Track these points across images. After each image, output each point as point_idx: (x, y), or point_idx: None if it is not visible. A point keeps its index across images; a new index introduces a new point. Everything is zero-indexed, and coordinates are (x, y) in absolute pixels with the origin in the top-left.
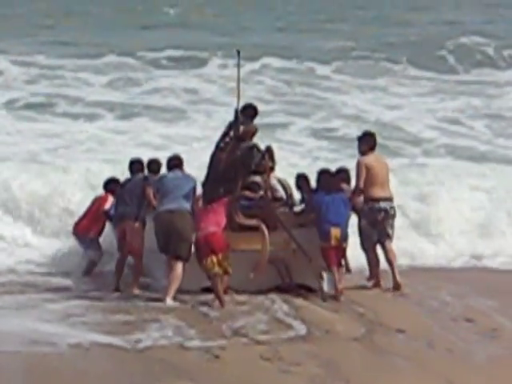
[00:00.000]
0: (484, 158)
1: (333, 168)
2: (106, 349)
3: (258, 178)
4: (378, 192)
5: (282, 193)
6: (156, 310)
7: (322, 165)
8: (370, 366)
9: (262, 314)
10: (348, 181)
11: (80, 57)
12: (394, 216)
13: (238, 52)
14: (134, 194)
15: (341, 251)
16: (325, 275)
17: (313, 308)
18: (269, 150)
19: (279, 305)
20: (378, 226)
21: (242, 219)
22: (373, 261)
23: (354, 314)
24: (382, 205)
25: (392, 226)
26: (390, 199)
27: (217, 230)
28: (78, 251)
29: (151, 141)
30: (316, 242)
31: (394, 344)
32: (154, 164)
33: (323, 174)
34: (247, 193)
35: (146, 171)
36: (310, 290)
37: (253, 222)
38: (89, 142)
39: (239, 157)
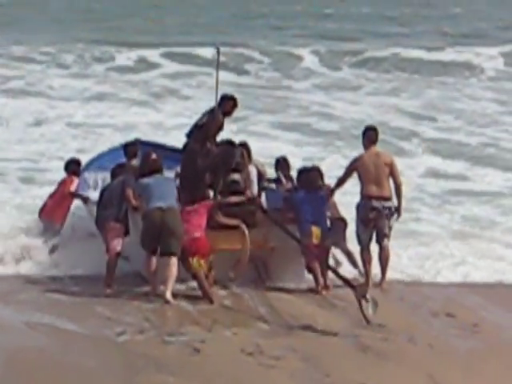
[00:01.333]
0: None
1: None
2: (86, 342)
3: (237, 176)
4: (371, 190)
5: (254, 185)
6: (135, 305)
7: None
8: (351, 361)
9: (242, 308)
10: (321, 179)
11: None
12: (388, 216)
13: (218, 49)
14: (114, 195)
15: (323, 250)
16: (369, 298)
17: (294, 302)
18: (245, 145)
19: (260, 299)
20: (370, 225)
21: (222, 219)
22: (365, 258)
23: (335, 308)
24: (375, 203)
25: (388, 226)
26: (385, 198)
27: (201, 235)
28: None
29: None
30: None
31: (375, 339)
32: (131, 147)
33: (303, 172)
34: (233, 198)
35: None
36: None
37: (233, 221)
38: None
39: (219, 156)
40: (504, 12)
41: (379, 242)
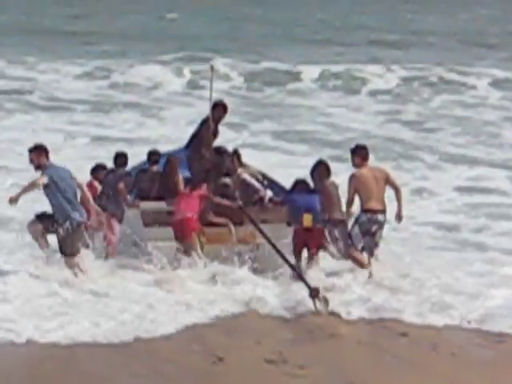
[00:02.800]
0: None
1: None
2: (108, 348)
3: (227, 180)
4: (373, 205)
5: (255, 184)
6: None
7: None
8: (374, 369)
9: (263, 315)
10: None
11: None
12: (383, 227)
13: (212, 67)
14: (115, 188)
15: (317, 234)
16: (321, 298)
17: (317, 311)
18: (236, 152)
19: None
20: (368, 236)
21: (212, 218)
22: (358, 262)
23: (358, 316)
24: (378, 217)
25: (381, 236)
26: (383, 211)
27: (193, 216)
28: None
29: None
30: (280, 239)
31: (398, 347)
32: (121, 158)
33: (298, 184)
34: (225, 201)
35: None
36: None
37: (223, 220)
38: None
39: (212, 163)
40: None
41: (371, 248)
